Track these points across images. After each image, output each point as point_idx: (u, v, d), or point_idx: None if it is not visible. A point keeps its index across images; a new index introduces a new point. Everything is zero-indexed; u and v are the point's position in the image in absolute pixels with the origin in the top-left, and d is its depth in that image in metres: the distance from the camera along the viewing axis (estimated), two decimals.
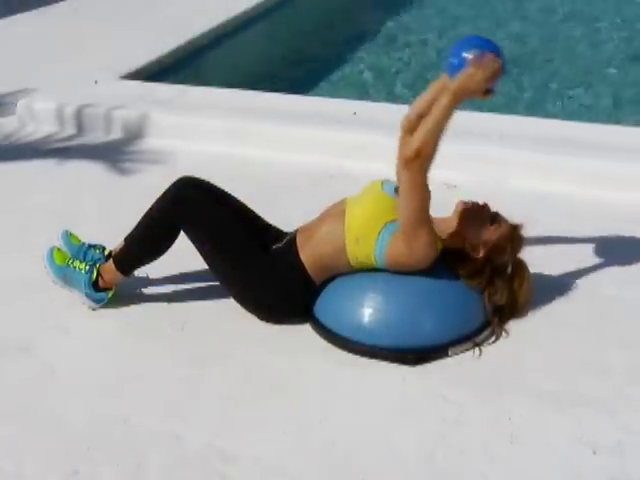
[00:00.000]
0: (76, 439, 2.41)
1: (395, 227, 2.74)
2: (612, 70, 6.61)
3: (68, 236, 3.16)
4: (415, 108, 2.86)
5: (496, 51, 2.61)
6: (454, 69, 2.61)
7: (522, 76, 6.45)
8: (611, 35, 7.44)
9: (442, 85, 2.72)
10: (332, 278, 2.88)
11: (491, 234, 2.80)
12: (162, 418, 2.50)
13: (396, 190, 2.87)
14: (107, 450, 2.37)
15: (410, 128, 2.82)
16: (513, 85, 6.29)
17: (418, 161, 2.59)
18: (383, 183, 2.90)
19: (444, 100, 2.59)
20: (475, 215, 2.82)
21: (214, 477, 2.26)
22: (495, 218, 2.83)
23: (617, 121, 5.31)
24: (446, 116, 2.59)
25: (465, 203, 2.84)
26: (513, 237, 2.83)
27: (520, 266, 2.88)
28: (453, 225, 2.82)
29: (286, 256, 2.87)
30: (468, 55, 2.59)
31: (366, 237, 2.75)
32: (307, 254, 2.84)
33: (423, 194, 2.67)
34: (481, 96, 2.63)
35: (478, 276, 2.81)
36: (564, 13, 8.11)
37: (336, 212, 2.87)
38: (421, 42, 7.38)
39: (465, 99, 2.61)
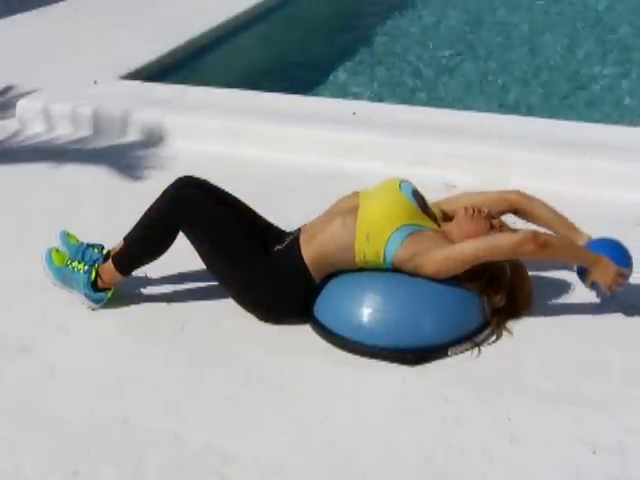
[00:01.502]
0: (76, 439, 2.41)
1: (410, 231, 2.75)
2: (612, 69, 6.61)
3: (66, 236, 3.16)
4: (546, 211, 3.00)
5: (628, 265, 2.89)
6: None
7: (522, 76, 6.45)
8: (611, 34, 7.44)
9: (578, 237, 2.97)
10: (332, 278, 2.88)
11: None
12: (162, 418, 2.50)
13: (413, 193, 2.87)
14: (107, 450, 2.37)
15: (519, 204, 2.99)
16: (513, 85, 6.29)
17: (536, 248, 2.69)
18: (401, 183, 2.90)
19: (583, 253, 2.85)
20: (476, 222, 2.82)
21: (213, 477, 2.26)
22: (496, 225, 2.84)
23: (617, 121, 5.31)
24: (570, 256, 2.86)
25: (467, 210, 2.85)
26: None
27: (520, 271, 2.90)
28: (455, 231, 2.82)
29: (287, 256, 2.87)
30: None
31: (378, 235, 2.75)
32: (310, 252, 2.83)
33: (497, 256, 2.74)
34: (587, 282, 2.90)
35: (476, 280, 2.81)
36: (564, 13, 8.11)
37: (348, 207, 2.86)
38: (420, 42, 7.38)
39: (584, 265, 2.87)
